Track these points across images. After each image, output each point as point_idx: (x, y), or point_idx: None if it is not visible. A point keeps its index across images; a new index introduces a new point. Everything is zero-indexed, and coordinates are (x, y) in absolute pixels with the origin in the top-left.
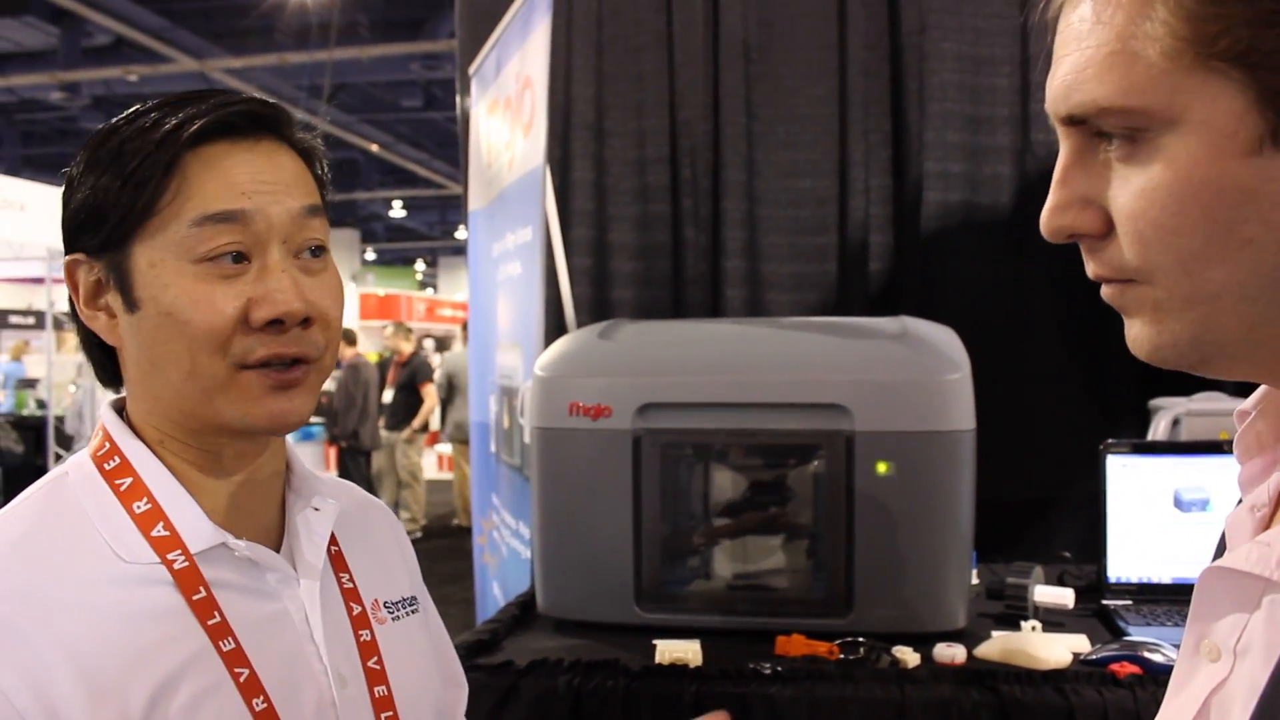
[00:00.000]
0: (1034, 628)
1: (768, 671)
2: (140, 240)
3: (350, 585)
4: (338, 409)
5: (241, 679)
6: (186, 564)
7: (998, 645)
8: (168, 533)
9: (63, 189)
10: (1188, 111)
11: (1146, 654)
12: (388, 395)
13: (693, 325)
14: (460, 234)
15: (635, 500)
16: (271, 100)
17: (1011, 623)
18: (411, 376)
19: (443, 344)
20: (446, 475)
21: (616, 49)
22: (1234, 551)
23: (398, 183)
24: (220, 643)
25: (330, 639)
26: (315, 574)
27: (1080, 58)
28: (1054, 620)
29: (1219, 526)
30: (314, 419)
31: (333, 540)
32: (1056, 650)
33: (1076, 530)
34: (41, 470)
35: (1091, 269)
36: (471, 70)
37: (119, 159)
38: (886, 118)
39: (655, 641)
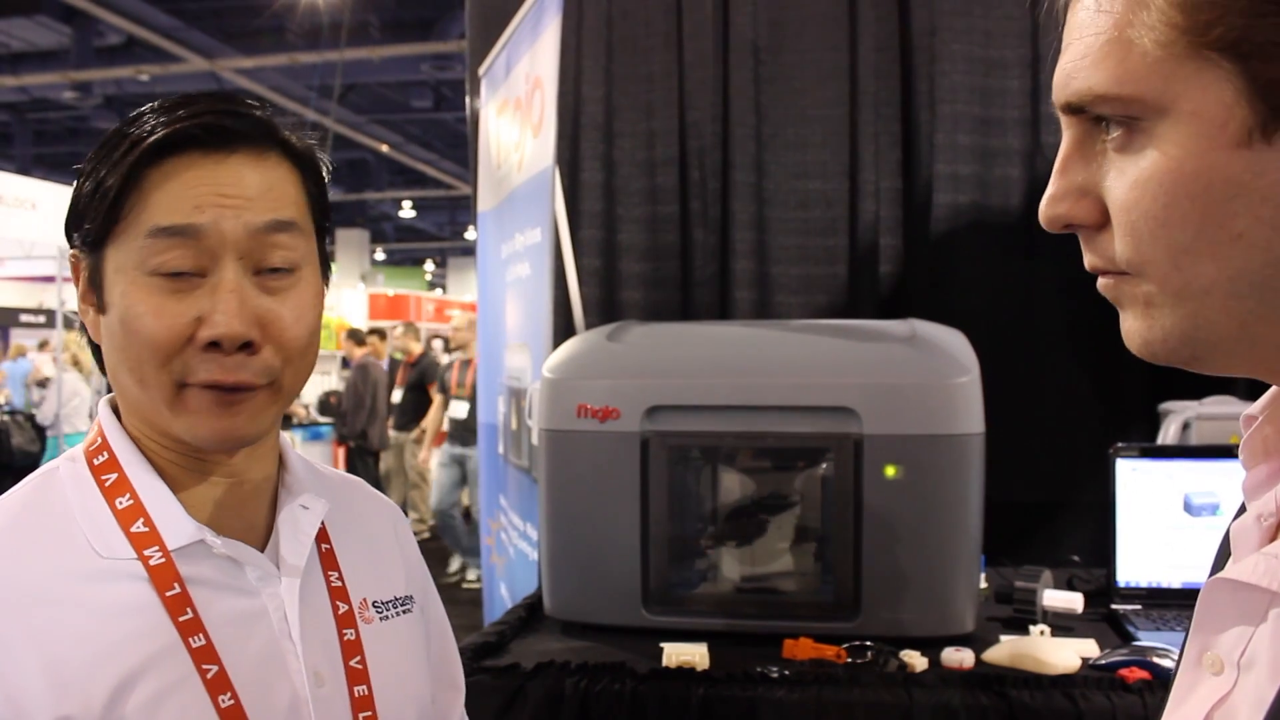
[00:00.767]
0: (1043, 632)
1: (775, 675)
2: (110, 245)
3: (339, 584)
4: (346, 409)
5: (209, 675)
6: (163, 560)
7: (1006, 649)
8: (147, 529)
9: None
10: (1179, 101)
11: (1156, 659)
12: (396, 395)
13: (701, 327)
14: (469, 235)
15: (643, 502)
16: (254, 109)
17: (1020, 627)
18: (420, 377)
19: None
20: None
21: (626, 50)
22: (1240, 562)
23: (407, 183)
24: (190, 639)
25: (309, 637)
26: (297, 572)
27: (1081, 46)
28: (1063, 625)
29: (1224, 532)
30: (323, 419)
31: (325, 538)
32: (1065, 655)
33: (1085, 534)
34: None
35: (1088, 260)
36: (481, 71)
37: (98, 163)
38: (896, 120)
39: (662, 644)
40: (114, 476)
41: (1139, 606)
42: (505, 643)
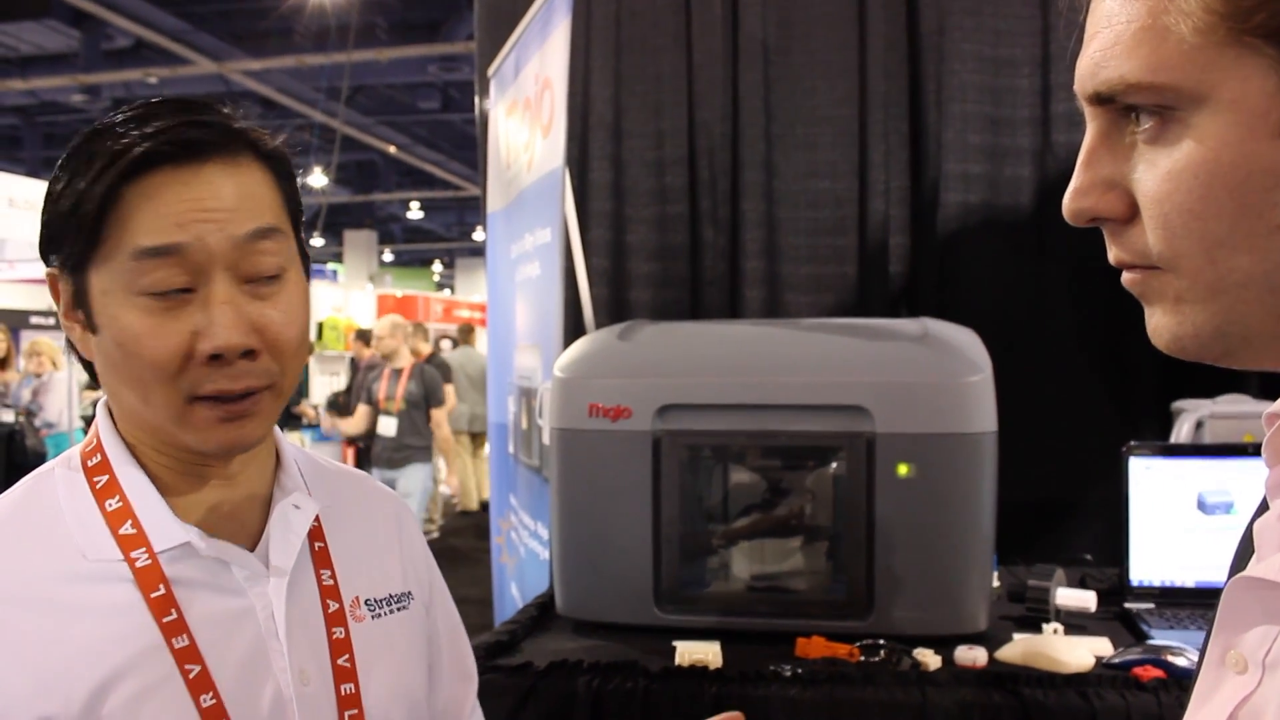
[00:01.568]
0: (1056, 630)
1: (788, 674)
2: (94, 267)
3: (330, 582)
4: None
5: (191, 675)
6: (148, 562)
7: (1019, 648)
8: (134, 530)
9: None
10: (1218, 89)
11: (1170, 658)
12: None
13: (713, 326)
14: (477, 235)
15: (655, 501)
16: (220, 114)
17: (1033, 625)
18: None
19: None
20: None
21: (635, 50)
22: (1266, 561)
23: (415, 184)
24: (174, 639)
25: (296, 636)
26: (285, 572)
27: (1110, 34)
28: (1076, 623)
29: (1243, 530)
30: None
31: (320, 536)
32: (1079, 653)
33: (1098, 533)
34: None
35: (1113, 254)
36: (490, 72)
37: (69, 182)
38: (906, 119)
39: (675, 643)
40: (105, 479)
41: (1152, 605)
42: (517, 641)
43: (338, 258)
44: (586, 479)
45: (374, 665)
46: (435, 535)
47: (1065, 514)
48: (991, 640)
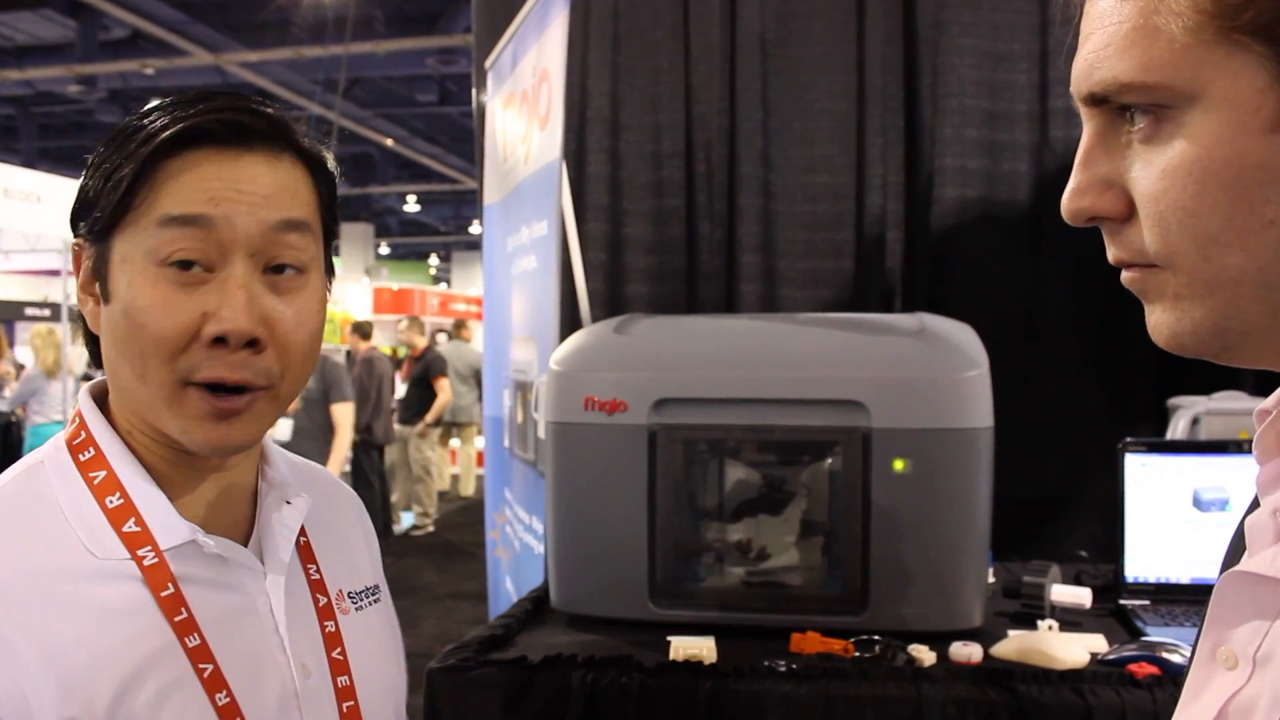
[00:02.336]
0: (1051, 627)
1: (783, 669)
2: (118, 235)
3: (317, 577)
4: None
5: (205, 674)
6: (156, 560)
7: (1014, 644)
8: (139, 529)
9: None
10: (1210, 87)
11: (1165, 654)
12: (401, 389)
13: (710, 320)
14: (474, 229)
15: (650, 496)
16: (271, 110)
17: (1028, 622)
18: (425, 371)
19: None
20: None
21: (633, 43)
22: (1256, 556)
23: (412, 177)
24: (186, 639)
25: (295, 631)
26: (282, 568)
27: (1104, 35)
28: (1071, 620)
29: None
30: None
31: (302, 531)
32: (1074, 650)
33: (1093, 529)
34: None
35: (1112, 253)
36: (487, 64)
37: (111, 154)
38: (903, 113)
39: (669, 638)
40: (102, 474)
41: (1147, 602)
42: (512, 636)
43: (334, 250)
44: (582, 473)
45: (362, 657)
46: (431, 530)
47: (1061, 510)
48: (986, 636)
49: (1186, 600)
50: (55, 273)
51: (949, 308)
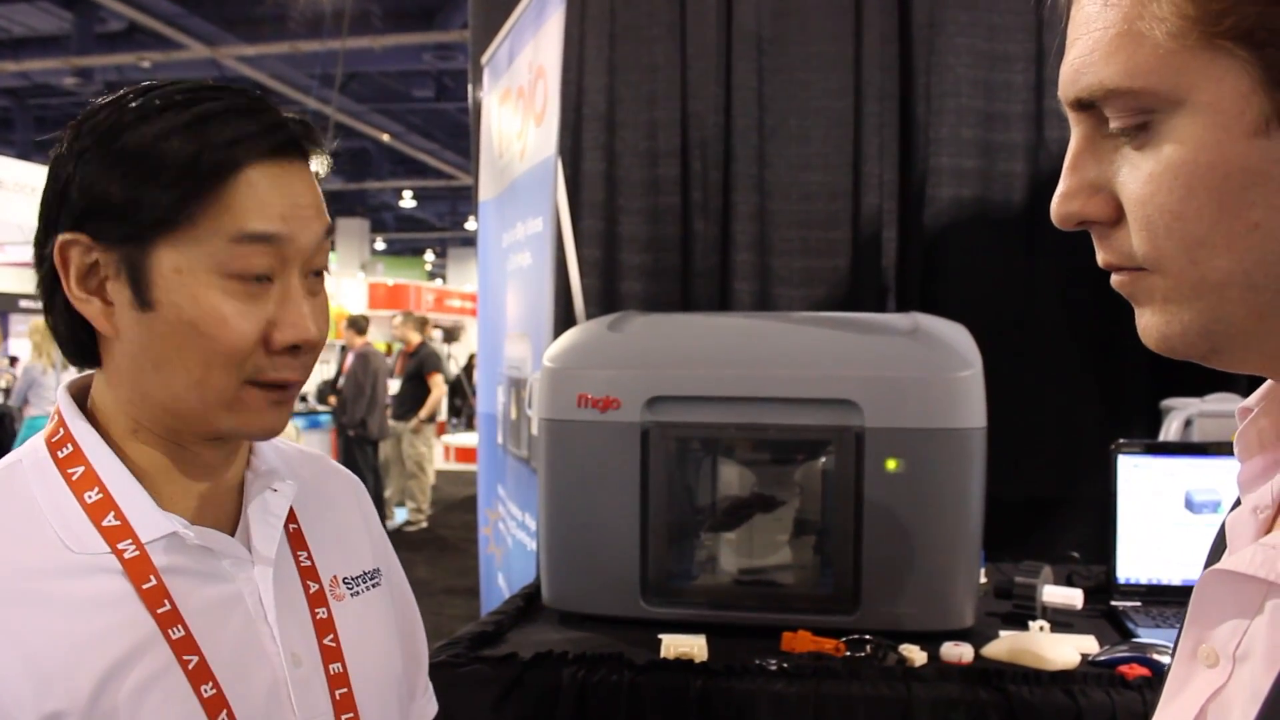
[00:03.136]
0: (1042, 628)
1: (773, 668)
2: (168, 244)
3: (308, 563)
4: (347, 397)
5: (190, 666)
6: (137, 553)
7: (1005, 645)
8: (118, 522)
9: (52, 165)
10: (1193, 92)
11: (1155, 656)
12: (395, 385)
13: (704, 318)
14: (470, 225)
15: (643, 493)
16: (301, 116)
17: (1019, 622)
18: (419, 367)
19: (451, 335)
20: (453, 466)
21: (629, 40)
22: (1236, 554)
23: (408, 173)
24: (169, 630)
25: (284, 619)
26: (269, 557)
27: (1089, 41)
28: (1062, 620)
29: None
30: (321, 407)
31: (292, 517)
32: (1064, 651)
33: (1086, 530)
34: None
35: (1101, 257)
36: (484, 60)
37: (151, 158)
38: (899, 113)
39: (661, 636)
40: (81, 470)
41: (1139, 603)
42: (503, 632)
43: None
44: (574, 470)
45: (357, 643)
46: (424, 525)
47: (1053, 511)
48: (978, 637)
49: (1178, 602)
50: None
51: (943, 307)
